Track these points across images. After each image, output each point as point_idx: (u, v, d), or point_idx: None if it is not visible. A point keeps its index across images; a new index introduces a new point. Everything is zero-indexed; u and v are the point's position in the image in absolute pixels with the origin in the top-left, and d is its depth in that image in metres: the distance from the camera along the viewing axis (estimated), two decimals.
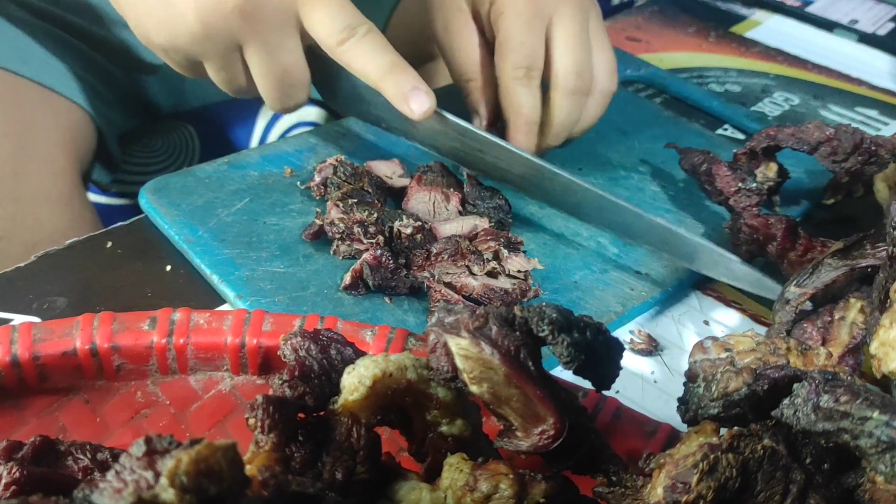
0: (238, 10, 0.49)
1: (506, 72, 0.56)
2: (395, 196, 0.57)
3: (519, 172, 0.55)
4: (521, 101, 0.56)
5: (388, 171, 0.58)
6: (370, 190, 0.54)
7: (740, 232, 0.52)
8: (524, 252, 0.52)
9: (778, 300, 0.44)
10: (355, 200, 0.52)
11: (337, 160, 0.56)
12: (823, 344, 0.42)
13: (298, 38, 0.52)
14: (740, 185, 0.54)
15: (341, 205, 0.52)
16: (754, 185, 0.54)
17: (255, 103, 0.90)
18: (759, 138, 0.56)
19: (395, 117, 0.55)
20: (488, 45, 0.59)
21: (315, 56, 0.53)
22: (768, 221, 0.51)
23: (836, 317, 0.41)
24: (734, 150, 0.58)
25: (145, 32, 0.53)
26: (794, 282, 0.43)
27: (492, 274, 0.49)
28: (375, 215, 0.51)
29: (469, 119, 0.58)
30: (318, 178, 0.56)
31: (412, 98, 0.51)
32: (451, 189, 0.54)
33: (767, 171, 0.57)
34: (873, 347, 0.33)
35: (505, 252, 0.50)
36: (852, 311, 0.40)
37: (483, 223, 0.53)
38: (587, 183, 0.53)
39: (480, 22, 0.59)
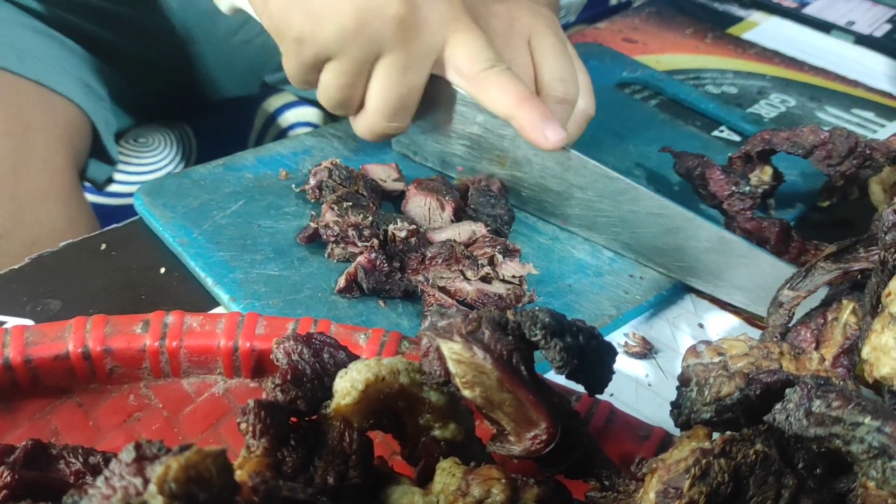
0: (398, 19, 0.49)
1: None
2: (389, 199, 0.57)
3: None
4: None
5: (384, 174, 0.57)
6: (365, 193, 0.54)
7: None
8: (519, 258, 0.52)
9: (772, 303, 0.44)
10: (350, 203, 0.52)
11: (332, 163, 0.56)
12: (817, 346, 0.42)
13: (432, 62, 0.52)
14: (734, 188, 0.54)
15: (336, 208, 0.52)
16: (748, 188, 0.54)
17: (253, 103, 0.90)
18: (754, 142, 0.56)
19: (482, 153, 0.57)
20: None
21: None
22: (762, 224, 0.51)
23: (830, 318, 0.41)
24: (729, 154, 0.58)
25: (285, 18, 0.51)
26: (788, 285, 0.43)
27: (486, 279, 0.49)
28: (370, 219, 0.51)
29: None
30: (312, 182, 0.56)
31: (547, 127, 0.51)
32: (447, 197, 0.54)
33: (762, 175, 0.57)
34: (865, 352, 0.33)
35: (500, 258, 0.50)
36: (845, 313, 0.40)
37: (480, 229, 0.53)
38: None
39: None
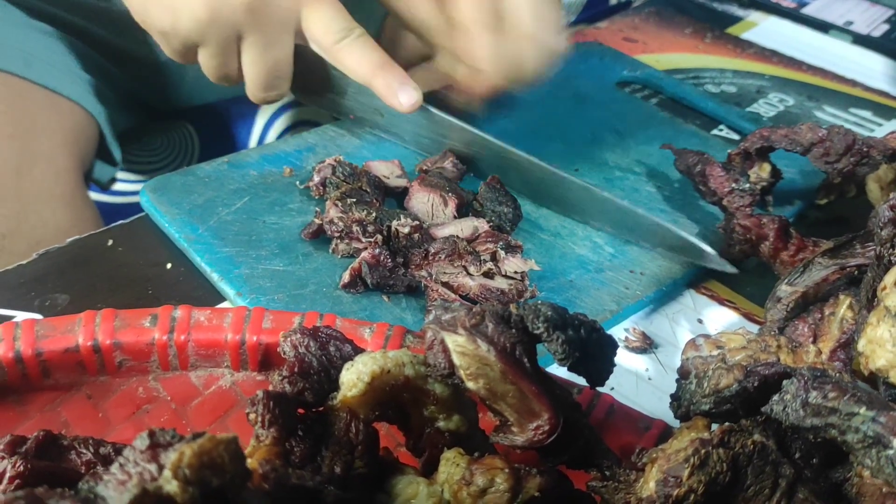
0: (245, 4, 0.52)
1: (466, 17, 0.55)
2: (392, 196, 0.58)
3: (492, 162, 0.59)
4: (485, 51, 0.55)
5: (387, 171, 0.58)
6: (368, 189, 0.55)
7: (733, 232, 0.53)
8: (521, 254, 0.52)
9: (770, 298, 0.45)
10: (354, 200, 0.53)
11: (336, 160, 0.57)
12: (815, 340, 0.43)
13: (293, 35, 0.55)
14: (734, 185, 0.55)
15: (340, 204, 0.52)
16: (747, 185, 0.55)
17: (254, 103, 0.91)
18: (752, 139, 0.57)
19: (363, 108, 0.61)
20: None
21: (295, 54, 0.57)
22: (761, 221, 0.51)
23: (827, 313, 0.41)
24: (728, 151, 0.59)
25: (146, 14, 0.55)
26: (786, 280, 0.44)
27: (488, 274, 0.50)
28: (374, 214, 0.52)
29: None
30: (317, 178, 0.56)
31: (401, 92, 0.55)
32: (450, 194, 0.55)
33: (761, 172, 0.57)
34: (861, 345, 0.34)
35: (502, 253, 0.50)
36: (842, 308, 0.41)
37: (483, 225, 0.53)
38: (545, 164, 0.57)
39: None
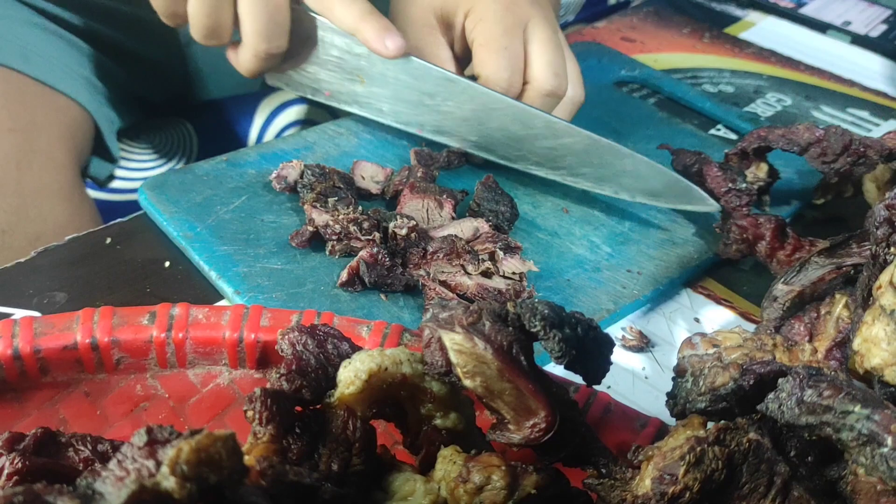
0: None
1: (487, 75, 0.58)
2: (366, 198, 0.58)
3: (473, 117, 0.59)
4: None
5: (370, 173, 0.58)
6: (342, 186, 0.55)
7: (730, 232, 0.53)
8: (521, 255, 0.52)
9: (766, 298, 0.45)
10: (335, 199, 0.53)
11: (299, 164, 0.57)
12: (811, 339, 0.43)
13: None
14: (731, 185, 0.55)
15: (318, 205, 0.52)
16: (744, 185, 0.55)
17: (254, 101, 0.91)
18: (749, 139, 0.57)
19: (341, 78, 0.61)
20: (457, 57, 0.62)
21: None
22: (758, 221, 0.52)
23: (823, 312, 0.42)
24: (726, 151, 0.59)
25: None
26: (782, 279, 0.44)
27: (486, 274, 0.50)
28: (360, 208, 0.52)
29: None
30: (275, 174, 0.57)
31: (387, 37, 0.56)
32: (444, 196, 0.55)
33: (758, 172, 0.58)
34: (856, 344, 0.34)
35: (501, 254, 0.51)
36: (838, 307, 0.41)
37: (483, 225, 0.53)
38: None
39: (450, 34, 0.62)
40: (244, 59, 0.59)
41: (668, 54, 0.84)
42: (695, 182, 0.58)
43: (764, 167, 0.58)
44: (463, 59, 0.63)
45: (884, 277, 0.34)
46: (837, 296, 0.43)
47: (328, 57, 0.60)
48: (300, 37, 0.59)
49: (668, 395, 0.36)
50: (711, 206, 0.55)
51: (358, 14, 0.56)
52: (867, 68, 0.85)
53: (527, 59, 0.59)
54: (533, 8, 0.59)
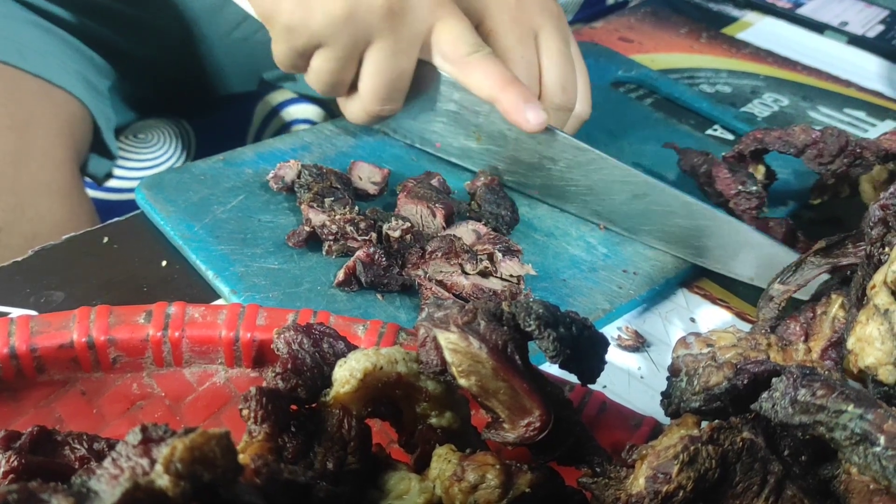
0: (386, 7, 0.51)
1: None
2: (363, 199, 0.57)
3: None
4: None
5: (367, 173, 0.58)
6: (338, 186, 0.55)
7: None
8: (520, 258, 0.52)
9: (762, 297, 0.45)
10: (332, 199, 0.53)
11: (296, 164, 0.57)
12: (806, 339, 0.43)
13: (419, 48, 0.54)
14: (740, 187, 0.55)
15: (316, 205, 0.52)
16: (754, 187, 0.55)
17: (252, 100, 0.91)
18: (746, 141, 0.57)
19: (454, 136, 0.60)
20: None
21: None
22: (768, 224, 0.52)
23: (819, 312, 0.42)
24: (723, 154, 0.59)
25: (276, 5, 0.53)
26: (778, 279, 0.44)
27: (484, 274, 0.50)
28: (357, 208, 0.52)
29: None
30: (272, 174, 0.56)
31: (528, 109, 0.53)
32: (437, 204, 0.54)
33: (756, 173, 0.58)
34: (850, 343, 0.34)
35: (500, 255, 0.50)
36: (833, 307, 0.41)
37: (482, 228, 0.53)
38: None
39: None
40: (353, 110, 0.58)
41: (665, 54, 0.84)
42: (702, 183, 0.57)
43: (761, 169, 0.58)
44: None
45: (878, 277, 0.34)
46: (833, 296, 0.43)
47: (445, 109, 0.59)
48: (418, 86, 0.57)
49: (663, 394, 0.36)
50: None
51: (499, 82, 0.53)
52: (864, 69, 0.85)
53: (539, 72, 0.58)
54: (543, 16, 0.59)
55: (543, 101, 0.58)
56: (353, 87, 0.57)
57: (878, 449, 0.28)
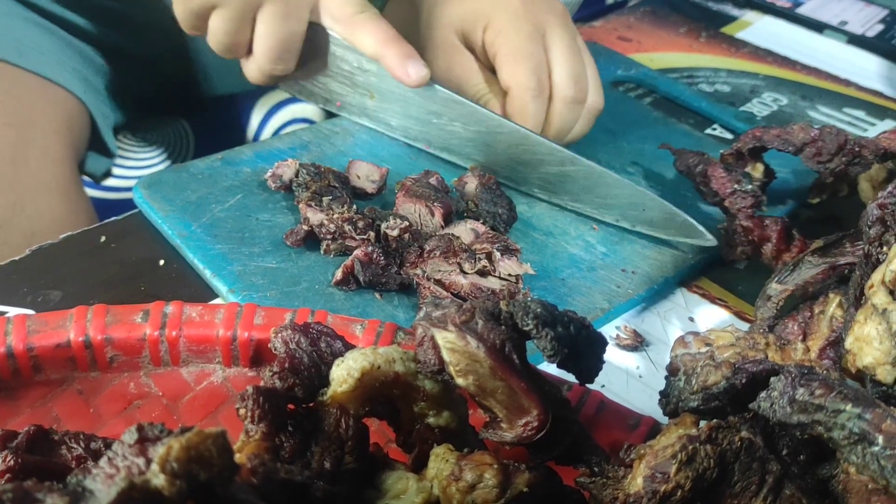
0: None
1: (516, 85, 0.58)
2: (361, 197, 0.57)
3: (478, 139, 0.59)
4: (533, 114, 0.58)
5: (365, 172, 0.58)
6: (337, 185, 0.55)
7: (735, 234, 0.53)
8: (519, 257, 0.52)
9: (760, 297, 0.45)
10: (330, 198, 0.53)
11: (294, 163, 0.57)
12: (804, 338, 0.43)
13: (309, 9, 0.57)
14: (736, 186, 0.55)
15: (314, 204, 0.52)
16: (749, 186, 0.55)
17: (251, 99, 0.91)
18: (745, 139, 0.57)
19: (352, 91, 0.62)
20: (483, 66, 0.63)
21: None
22: (763, 223, 0.51)
23: (816, 311, 0.42)
24: (721, 151, 0.59)
25: None
26: (776, 278, 0.44)
27: (482, 273, 0.50)
28: (355, 207, 0.52)
29: None
30: (279, 172, 0.57)
31: (410, 65, 0.56)
32: (436, 203, 0.54)
33: (754, 172, 0.58)
34: (848, 343, 0.34)
35: (498, 255, 0.50)
36: (831, 306, 0.41)
37: (480, 227, 0.53)
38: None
39: (475, 48, 0.62)
40: (250, 71, 0.60)
41: (664, 54, 0.84)
42: (698, 183, 0.57)
43: (760, 167, 0.58)
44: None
45: (876, 277, 0.34)
46: (831, 295, 0.43)
47: (340, 70, 0.61)
48: (313, 49, 0.60)
49: (661, 393, 0.36)
50: (710, 241, 0.54)
51: (381, 40, 0.56)
52: (863, 68, 0.85)
53: (549, 69, 0.59)
54: (550, 15, 0.60)
55: (556, 96, 0.59)
56: (250, 50, 0.59)
57: (876, 448, 0.28)
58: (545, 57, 0.59)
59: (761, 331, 0.41)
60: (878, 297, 0.33)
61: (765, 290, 0.44)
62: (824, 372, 0.31)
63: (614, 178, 0.56)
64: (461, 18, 0.61)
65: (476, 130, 0.59)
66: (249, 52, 0.59)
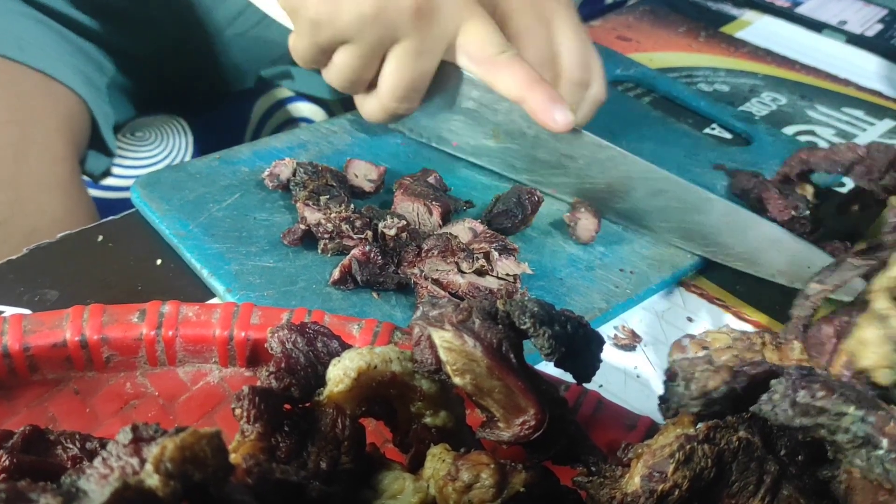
0: (415, 7, 0.50)
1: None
2: (359, 197, 0.57)
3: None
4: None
5: (363, 171, 0.58)
6: (335, 184, 0.55)
7: None
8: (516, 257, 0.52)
9: (798, 296, 0.44)
10: (328, 197, 0.53)
11: (293, 161, 0.56)
12: (838, 341, 0.42)
13: (445, 49, 0.54)
14: (794, 213, 0.54)
15: (311, 203, 0.52)
16: (807, 212, 0.54)
17: (250, 98, 0.91)
18: (791, 164, 0.56)
19: (472, 134, 0.59)
20: None
21: None
22: (826, 248, 0.51)
23: (854, 315, 0.41)
24: (767, 180, 0.58)
25: (303, 1, 0.53)
26: (816, 278, 0.43)
27: (480, 272, 0.50)
28: (353, 206, 0.52)
29: None
30: (275, 171, 0.56)
31: (556, 110, 0.53)
32: (433, 202, 0.54)
33: (803, 192, 0.57)
34: (851, 345, 0.34)
35: (496, 254, 0.50)
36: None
37: (478, 226, 0.53)
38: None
39: None
40: (371, 108, 0.57)
41: (663, 53, 0.84)
42: (753, 207, 0.56)
43: (809, 189, 0.57)
44: None
45: (878, 282, 0.34)
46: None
47: (462, 107, 0.58)
48: (438, 87, 0.56)
49: (661, 399, 0.35)
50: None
51: (526, 83, 0.53)
52: (862, 68, 0.85)
53: (555, 52, 0.58)
54: (556, 3, 0.59)
55: (563, 79, 0.58)
56: (371, 85, 0.56)
57: (881, 452, 0.28)
58: (551, 42, 0.58)
59: (797, 330, 0.40)
60: (879, 303, 0.33)
61: (804, 290, 0.43)
62: (825, 373, 0.31)
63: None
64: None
65: (618, 175, 0.55)
66: (369, 87, 0.56)
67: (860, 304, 0.38)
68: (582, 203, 0.56)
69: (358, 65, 0.54)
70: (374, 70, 0.55)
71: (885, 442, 0.28)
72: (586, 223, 0.55)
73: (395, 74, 0.54)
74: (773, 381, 0.31)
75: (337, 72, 0.55)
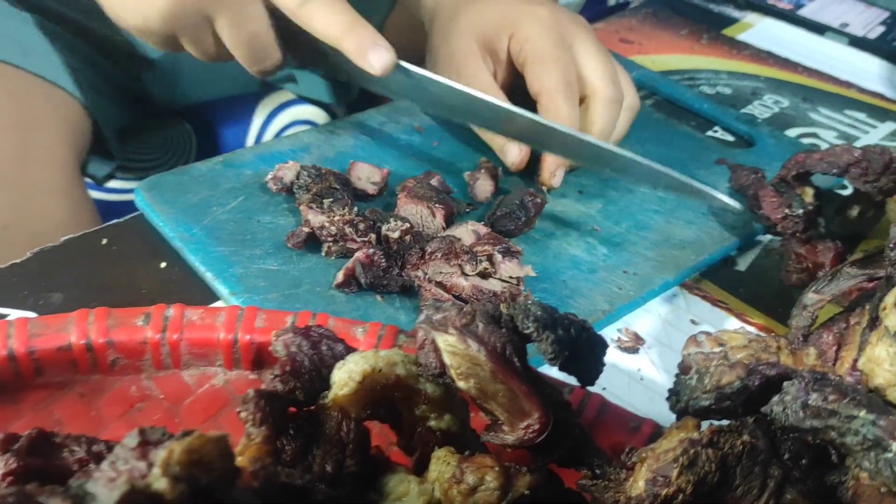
0: None
1: (547, 88, 0.57)
2: (362, 199, 0.57)
3: (482, 115, 0.56)
4: (567, 115, 0.57)
5: (366, 174, 0.58)
6: (338, 187, 0.55)
7: (790, 259, 0.52)
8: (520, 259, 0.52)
9: (796, 306, 0.44)
10: (331, 200, 0.53)
11: (296, 165, 0.57)
12: (839, 349, 0.42)
13: (261, 4, 0.54)
14: (787, 211, 0.54)
15: (315, 206, 0.52)
16: (801, 210, 0.54)
17: (252, 101, 0.91)
18: (789, 166, 0.56)
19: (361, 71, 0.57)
20: (501, 83, 0.61)
21: (279, 18, 0.55)
22: (816, 249, 0.51)
23: (852, 322, 0.41)
24: (767, 183, 0.58)
25: (118, 16, 0.56)
26: (813, 288, 0.44)
27: (483, 275, 0.50)
28: (356, 208, 0.52)
29: None
30: (279, 175, 0.56)
31: (372, 53, 0.52)
32: (437, 204, 0.54)
33: (804, 197, 0.57)
34: (861, 363, 0.34)
35: (499, 257, 0.50)
36: (867, 318, 0.41)
37: (482, 229, 0.53)
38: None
39: (494, 59, 0.61)
40: (248, 69, 0.58)
41: (665, 56, 0.84)
42: (752, 205, 0.57)
43: (809, 191, 0.57)
44: (506, 85, 0.62)
45: (889, 299, 0.34)
46: (868, 307, 0.42)
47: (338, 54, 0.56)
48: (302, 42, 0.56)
49: (671, 391, 0.35)
50: (735, 207, 0.53)
51: (341, 27, 0.52)
52: (865, 70, 0.85)
53: (580, 73, 0.59)
54: (575, 25, 0.60)
55: (596, 97, 0.58)
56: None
57: (890, 455, 0.28)
58: (574, 62, 0.59)
59: (798, 340, 0.40)
60: (891, 320, 0.33)
61: (801, 300, 0.43)
62: (837, 378, 0.31)
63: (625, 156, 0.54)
64: (484, 25, 0.61)
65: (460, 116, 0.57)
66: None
67: (870, 321, 0.38)
68: (484, 164, 0.58)
69: (199, 50, 0.56)
70: (215, 46, 0.56)
71: (894, 445, 0.28)
72: (484, 184, 0.58)
73: (231, 45, 0.55)
74: (785, 383, 0.31)
75: (192, 53, 0.57)
